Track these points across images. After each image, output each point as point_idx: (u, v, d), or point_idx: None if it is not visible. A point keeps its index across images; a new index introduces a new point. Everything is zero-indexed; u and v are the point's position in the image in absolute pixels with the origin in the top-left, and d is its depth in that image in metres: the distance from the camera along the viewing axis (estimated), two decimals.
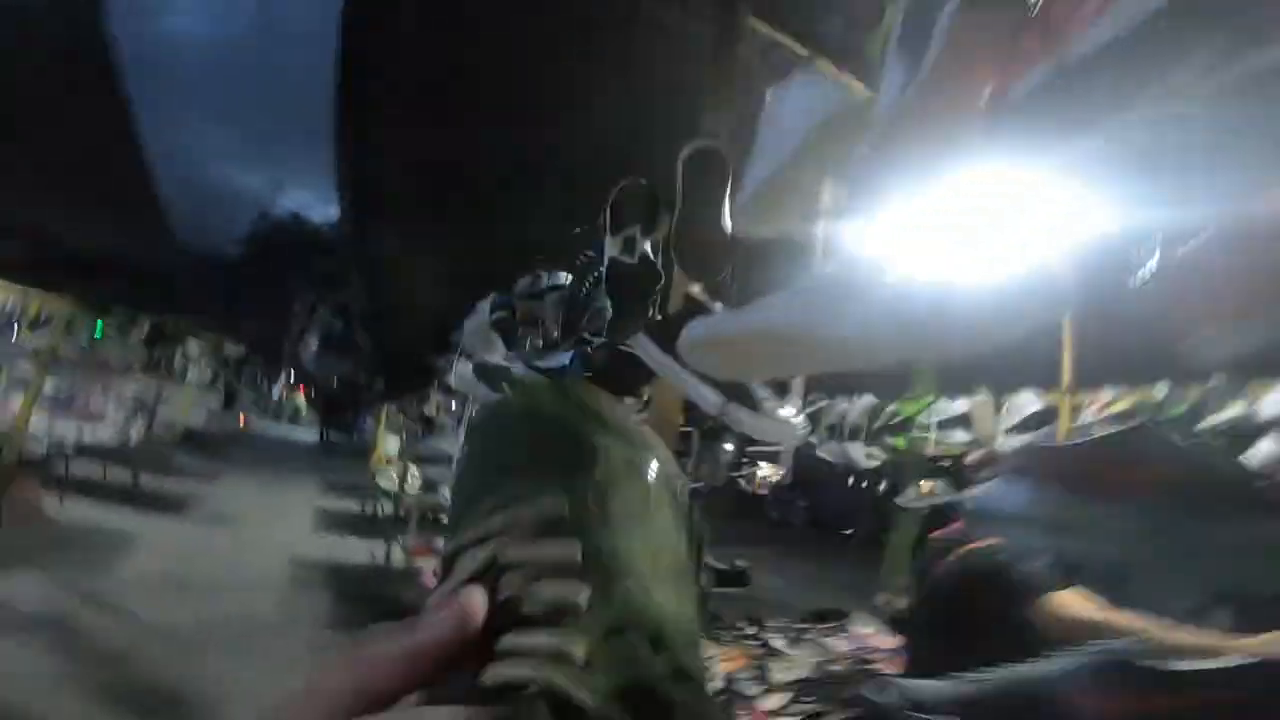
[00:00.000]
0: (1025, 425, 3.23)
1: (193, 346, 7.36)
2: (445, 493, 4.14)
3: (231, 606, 3.74)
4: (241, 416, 11.56)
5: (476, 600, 0.23)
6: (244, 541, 5.31)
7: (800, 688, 2.16)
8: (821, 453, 3.48)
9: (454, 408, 4.78)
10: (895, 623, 3.06)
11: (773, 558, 7.93)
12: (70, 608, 3.33)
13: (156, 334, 6.29)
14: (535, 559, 0.25)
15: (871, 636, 2.83)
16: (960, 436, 3.53)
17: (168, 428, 7.71)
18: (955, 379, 3.68)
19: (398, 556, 3.93)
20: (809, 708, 1.97)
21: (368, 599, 3.90)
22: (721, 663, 2.26)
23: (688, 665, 0.25)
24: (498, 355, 1.57)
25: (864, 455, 3.47)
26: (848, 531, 9.69)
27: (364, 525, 5.93)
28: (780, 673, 2.24)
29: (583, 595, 0.24)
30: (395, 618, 0.26)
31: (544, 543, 0.25)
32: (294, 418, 16.56)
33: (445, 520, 3.99)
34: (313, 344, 15.80)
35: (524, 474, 0.28)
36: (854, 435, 3.62)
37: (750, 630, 2.74)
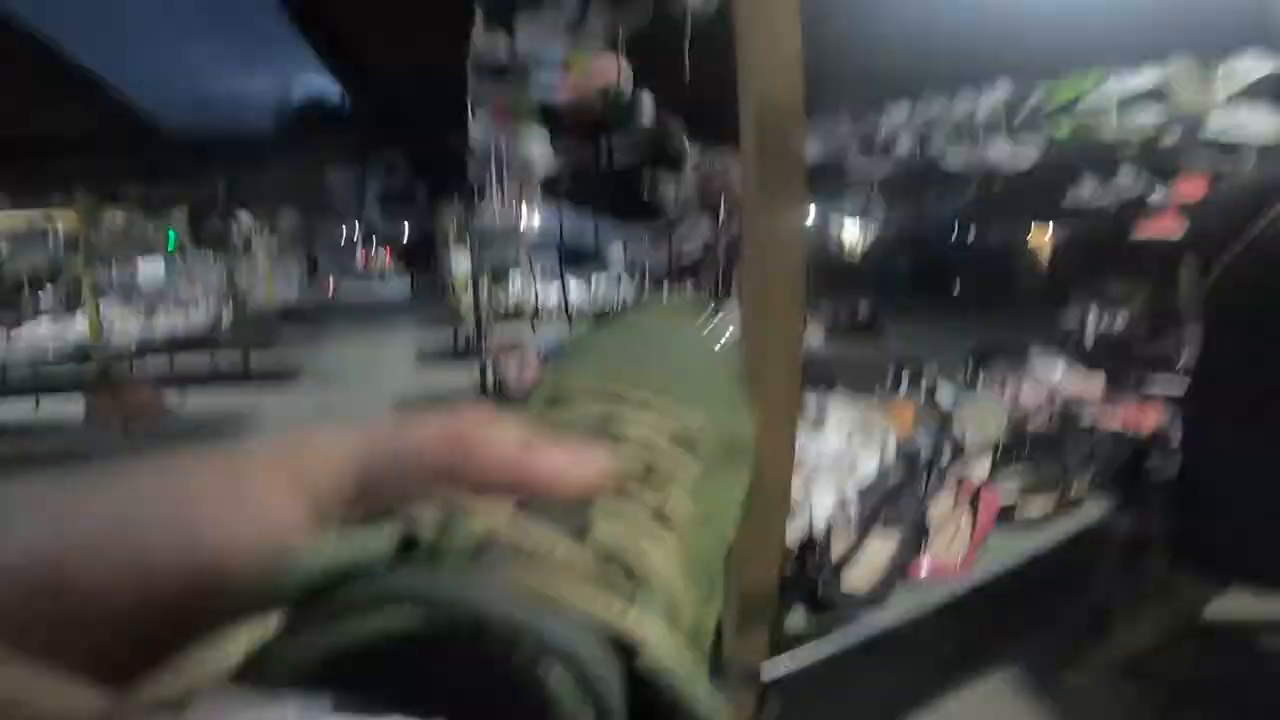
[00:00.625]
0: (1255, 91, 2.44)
1: (245, 220, 7.15)
2: (515, 280, 3.97)
3: None
4: (329, 284, 11.72)
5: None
6: (353, 395, 5.40)
7: (1002, 448, 1.71)
8: (950, 163, 2.73)
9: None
10: (1106, 349, 2.55)
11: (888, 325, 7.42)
12: None
13: (204, 210, 6.06)
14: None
15: (1067, 383, 2.31)
16: (1150, 116, 2.70)
17: (258, 306, 7.78)
18: (1129, 47, 2.78)
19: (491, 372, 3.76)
20: (1032, 476, 1.53)
21: None
22: (885, 425, 1.84)
23: None
24: None
25: (1010, 153, 2.67)
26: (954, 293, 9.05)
27: (460, 353, 5.89)
28: (970, 436, 1.78)
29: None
30: None
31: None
32: (382, 276, 16.93)
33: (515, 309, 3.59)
34: (374, 202, 16.13)
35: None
36: (991, 131, 2.82)
37: (906, 379, 2.29)
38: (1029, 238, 8.08)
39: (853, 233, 10.56)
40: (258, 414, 4.84)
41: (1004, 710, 1.59)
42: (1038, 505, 1.46)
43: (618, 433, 0.22)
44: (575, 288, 4.25)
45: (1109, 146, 2.64)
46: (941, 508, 1.32)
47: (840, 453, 1.56)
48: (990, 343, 2.66)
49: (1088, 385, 2.22)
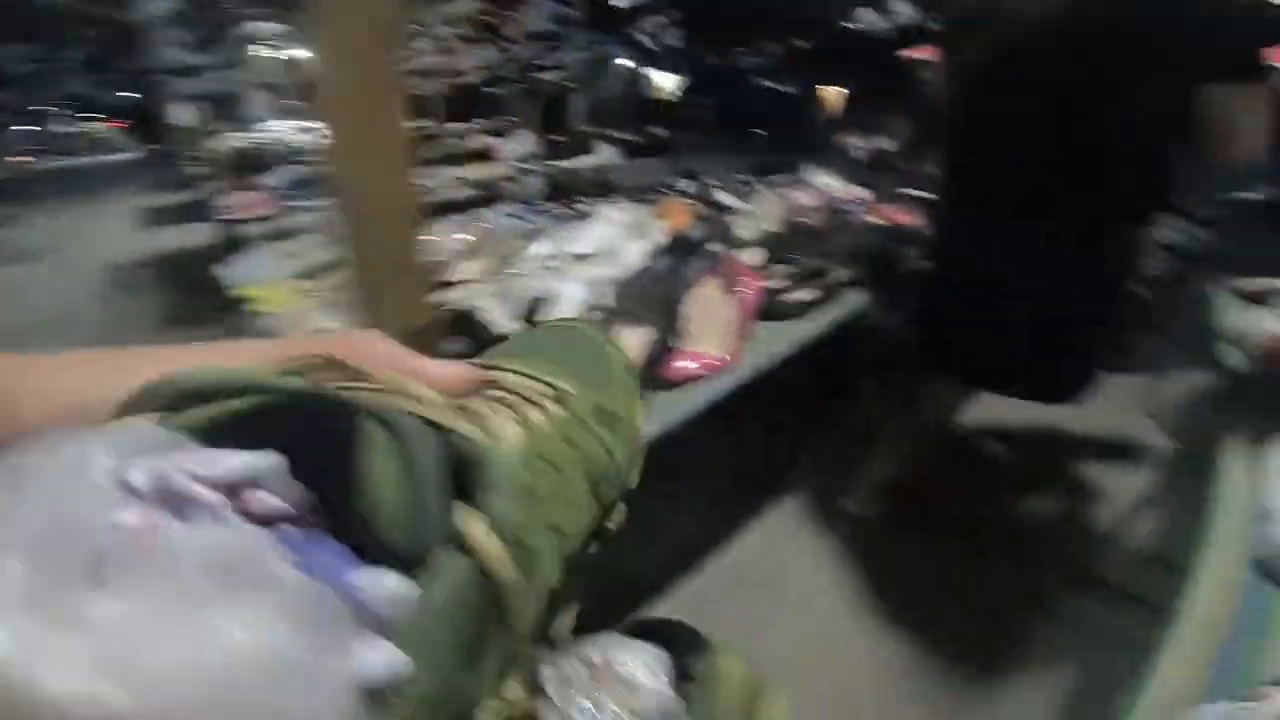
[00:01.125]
0: None
1: None
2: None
3: (49, 335, 3.21)
4: (18, 157, 9.15)
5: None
6: (61, 266, 4.49)
7: (773, 241, 1.67)
8: None
9: None
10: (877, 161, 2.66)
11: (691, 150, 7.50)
12: None
13: None
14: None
15: (838, 189, 2.35)
16: None
17: None
18: None
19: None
20: (797, 267, 1.49)
21: (200, 286, 3.26)
22: (663, 220, 1.74)
23: None
24: None
25: None
26: (759, 131, 9.44)
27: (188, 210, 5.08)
28: (743, 230, 1.72)
29: None
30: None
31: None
32: (96, 147, 13.60)
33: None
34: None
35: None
36: None
37: (688, 187, 2.20)
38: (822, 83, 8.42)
39: (666, 78, 10.47)
40: None
41: (790, 544, 1.67)
42: (803, 293, 1.43)
43: (497, 378, 0.26)
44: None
45: None
46: (707, 296, 1.22)
47: (603, 245, 1.42)
48: (771, 161, 2.64)
49: (854, 191, 2.27)
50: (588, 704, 0.31)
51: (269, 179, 2.93)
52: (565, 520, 0.23)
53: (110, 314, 3.61)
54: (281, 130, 4.29)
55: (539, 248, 1.50)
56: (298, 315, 1.32)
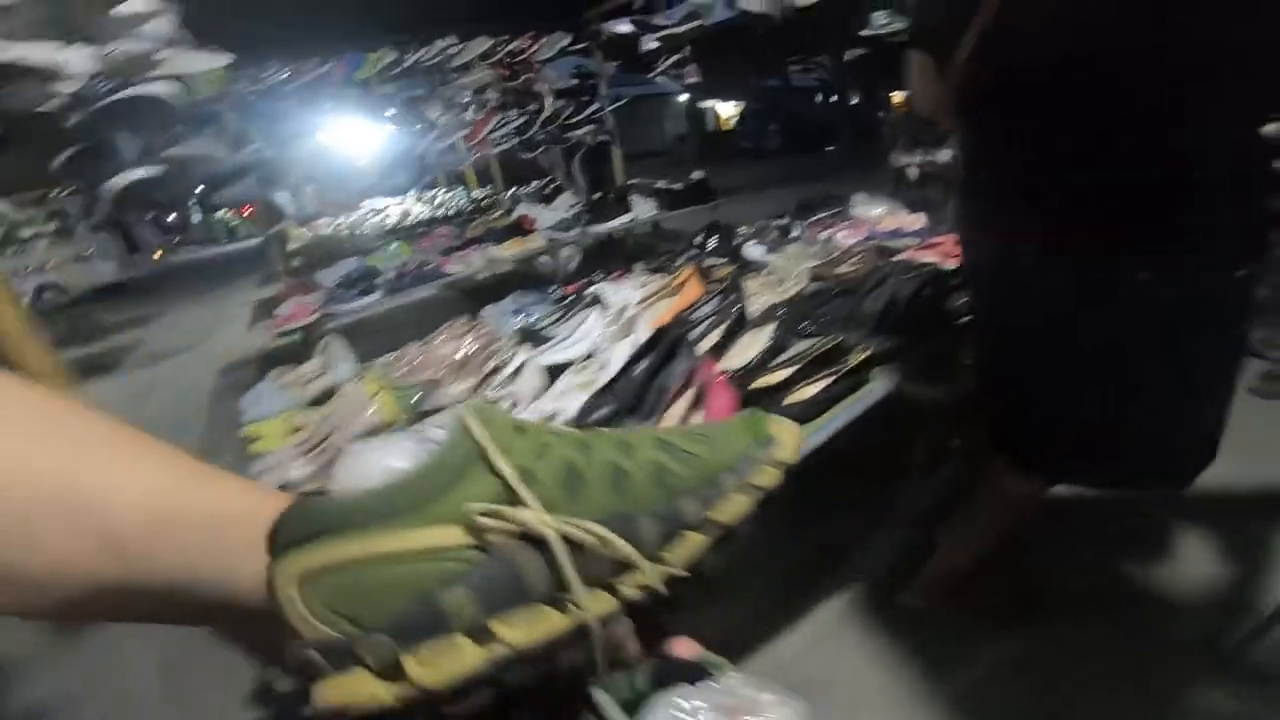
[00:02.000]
0: None
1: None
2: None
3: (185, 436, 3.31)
4: (157, 253, 10.39)
5: None
6: (183, 368, 4.83)
7: (793, 309, 1.47)
8: (744, 4, 2.35)
9: None
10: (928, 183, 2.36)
11: (749, 187, 7.31)
12: None
13: None
14: None
15: (885, 217, 2.10)
16: None
17: (62, 294, 6.88)
18: None
19: None
20: (809, 346, 1.27)
21: None
22: (675, 295, 1.59)
23: None
24: None
25: None
26: (829, 148, 9.15)
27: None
28: (758, 297, 1.53)
29: None
30: None
31: None
32: (232, 236, 15.13)
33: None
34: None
35: None
36: None
37: (708, 243, 2.03)
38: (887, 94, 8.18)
39: (725, 108, 10.45)
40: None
41: (840, 640, 1.44)
42: (815, 388, 1.21)
43: None
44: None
45: None
46: (676, 415, 1.05)
47: (590, 347, 1.29)
48: (815, 194, 2.42)
49: (906, 219, 2.01)
50: None
51: (328, 275, 3.03)
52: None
53: (219, 416, 3.83)
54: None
55: (524, 357, 1.39)
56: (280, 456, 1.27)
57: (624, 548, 0.31)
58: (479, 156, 3.32)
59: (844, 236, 1.95)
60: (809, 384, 1.16)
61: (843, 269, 1.69)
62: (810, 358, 1.19)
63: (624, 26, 2.76)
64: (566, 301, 1.70)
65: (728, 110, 10.44)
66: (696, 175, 3.19)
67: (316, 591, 0.28)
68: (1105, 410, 1.02)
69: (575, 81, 3.49)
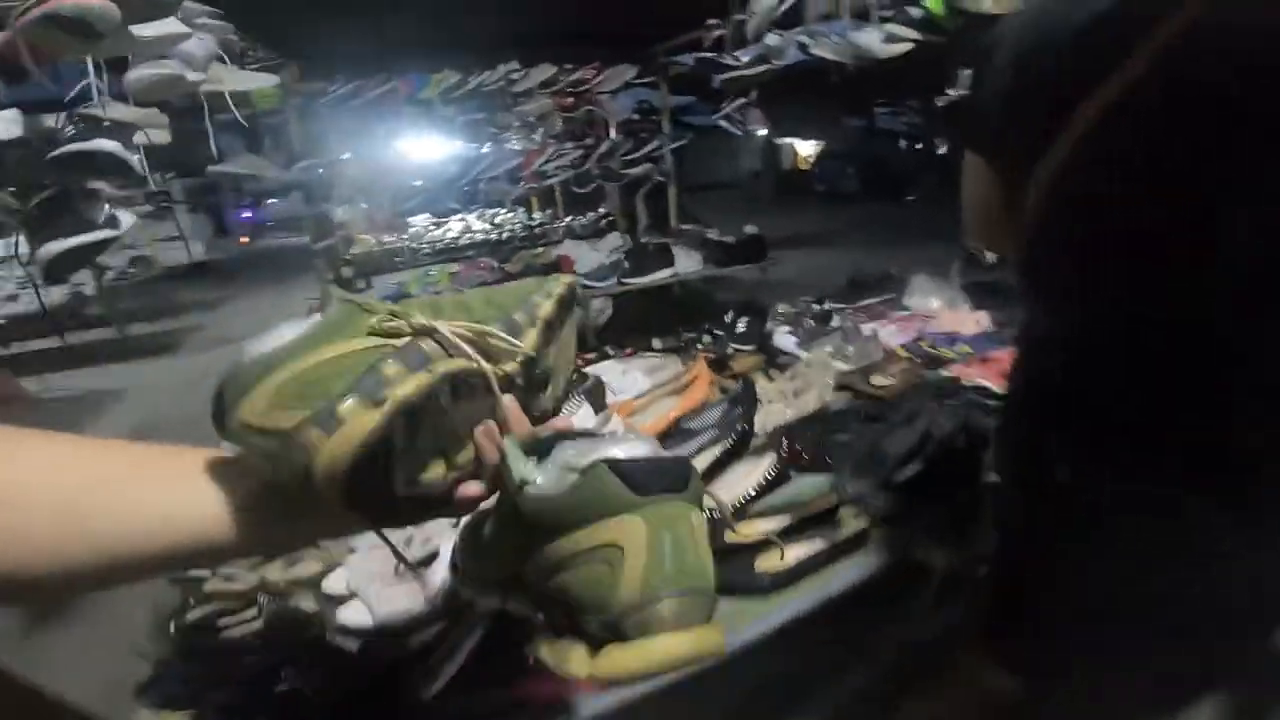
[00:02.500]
0: None
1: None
2: None
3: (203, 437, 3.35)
4: (243, 239, 10.90)
5: None
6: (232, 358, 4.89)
7: (806, 432, 1.26)
8: (817, 50, 2.14)
9: None
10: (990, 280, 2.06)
11: (814, 236, 7.01)
12: None
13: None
14: None
15: (943, 313, 1.86)
16: None
17: (149, 268, 7.33)
18: None
19: None
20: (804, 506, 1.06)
21: None
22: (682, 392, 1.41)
23: None
24: None
25: (881, 40, 2.08)
26: (909, 198, 8.74)
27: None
28: (771, 411, 1.34)
29: None
30: None
31: None
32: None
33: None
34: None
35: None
36: (861, 17, 2.21)
37: (737, 323, 1.83)
38: None
39: (804, 146, 10.22)
40: (133, 388, 4.46)
41: None
42: (800, 549, 1.01)
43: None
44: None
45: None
46: None
47: None
48: (869, 271, 2.20)
49: (966, 317, 1.77)
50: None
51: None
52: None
53: None
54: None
55: None
56: None
57: (489, 330, 0.42)
58: (529, 188, 3.23)
59: (890, 333, 1.73)
60: (795, 542, 0.97)
61: (877, 380, 1.47)
62: (804, 514, 0.99)
63: (692, 62, 2.62)
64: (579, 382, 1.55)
65: (806, 149, 10.14)
66: (750, 230, 3.00)
67: (275, 405, 0.36)
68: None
69: (637, 117, 3.38)
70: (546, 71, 2.99)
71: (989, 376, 1.42)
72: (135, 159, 1.44)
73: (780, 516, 1.01)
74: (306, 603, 0.93)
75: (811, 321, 1.78)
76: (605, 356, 1.80)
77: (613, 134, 3.37)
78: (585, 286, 2.75)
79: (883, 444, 1.18)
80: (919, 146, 8.82)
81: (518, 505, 0.38)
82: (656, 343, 1.86)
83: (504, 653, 0.78)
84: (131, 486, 0.37)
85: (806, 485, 1.09)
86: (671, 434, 1.30)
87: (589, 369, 1.67)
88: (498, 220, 4.76)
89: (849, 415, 1.31)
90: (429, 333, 0.40)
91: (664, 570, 0.34)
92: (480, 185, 3.19)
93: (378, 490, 0.37)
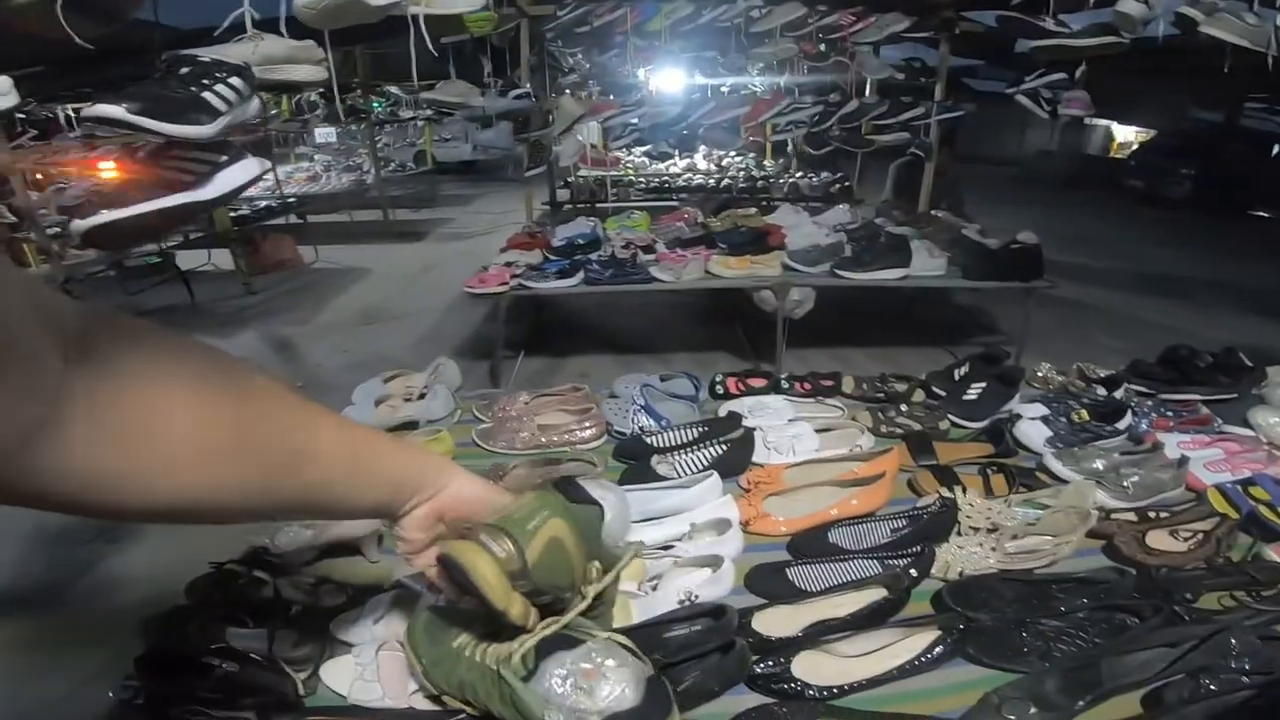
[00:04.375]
0: None
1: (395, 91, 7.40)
2: None
3: (414, 331, 3.65)
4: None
5: None
6: (464, 255, 5.23)
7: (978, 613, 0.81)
8: (1214, 30, 1.47)
9: None
10: None
11: (1124, 253, 5.45)
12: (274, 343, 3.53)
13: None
14: None
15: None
16: None
17: (425, 164, 8.32)
18: None
19: None
20: None
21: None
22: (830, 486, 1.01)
23: None
24: None
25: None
26: (1264, 213, 6.47)
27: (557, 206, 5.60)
28: (964, 540, 0.90)
29: None
30: None
31: None
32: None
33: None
34: None
35: None
36: None
37: (968, 388, 1.29)
38: None
39: (1122, 131, 8.13)
40: (379, 268, 5.05)
41: None
42: None
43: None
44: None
45: None
46: None
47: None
48: (1197, 345, 1.48)
49: None
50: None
51: (562, 231, 2.89)
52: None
53: (447, 322, 3.91)
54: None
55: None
56: None
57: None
58: (751, 140, 2.82)
59: (1209, 465, 1.11)
60: None
61: (1156, 543, 0.92)
62: None
63: (992, 22, 2.01)
64: (705, 427, 1.20)
65: (1124, 135, 8.09)
66: (1024, 238, 2.30)
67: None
68: None
69: (900, 76, 2.73)
70: (794, 11, 2.52)
71: None
72: None
73: None
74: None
75: (1084, 412, 1.20)
76: (777, 386, 1.41)
77: (867, 93, 2.78)
78: (790, 269, 2.32)
79: (1102, 664, 0.70)
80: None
81: None
82: (848, 383, 1.41)
83: None
84: (352, 475, 0.51)
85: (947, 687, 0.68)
86: (813, 541, 0.92)
87: (744, 400, 1.31)
88: (723, 164, 4.40)
89: (1081, 593, 0.82)
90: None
91: None
92: (700, 131, 2.84)
93: None
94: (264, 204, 5.61)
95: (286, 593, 0.84)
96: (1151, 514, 1.00)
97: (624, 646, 0.61)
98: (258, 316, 4.00)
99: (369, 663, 0.74)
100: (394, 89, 7.48)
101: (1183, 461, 1.08)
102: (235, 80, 1.14)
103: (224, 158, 1.15)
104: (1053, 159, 8.88)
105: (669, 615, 0.76)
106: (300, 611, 0.82)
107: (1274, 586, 0.84)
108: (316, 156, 7.15)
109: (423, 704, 0.70)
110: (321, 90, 6.03)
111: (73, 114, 4.27)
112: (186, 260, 4.47)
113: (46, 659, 1.47)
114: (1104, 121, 8.33)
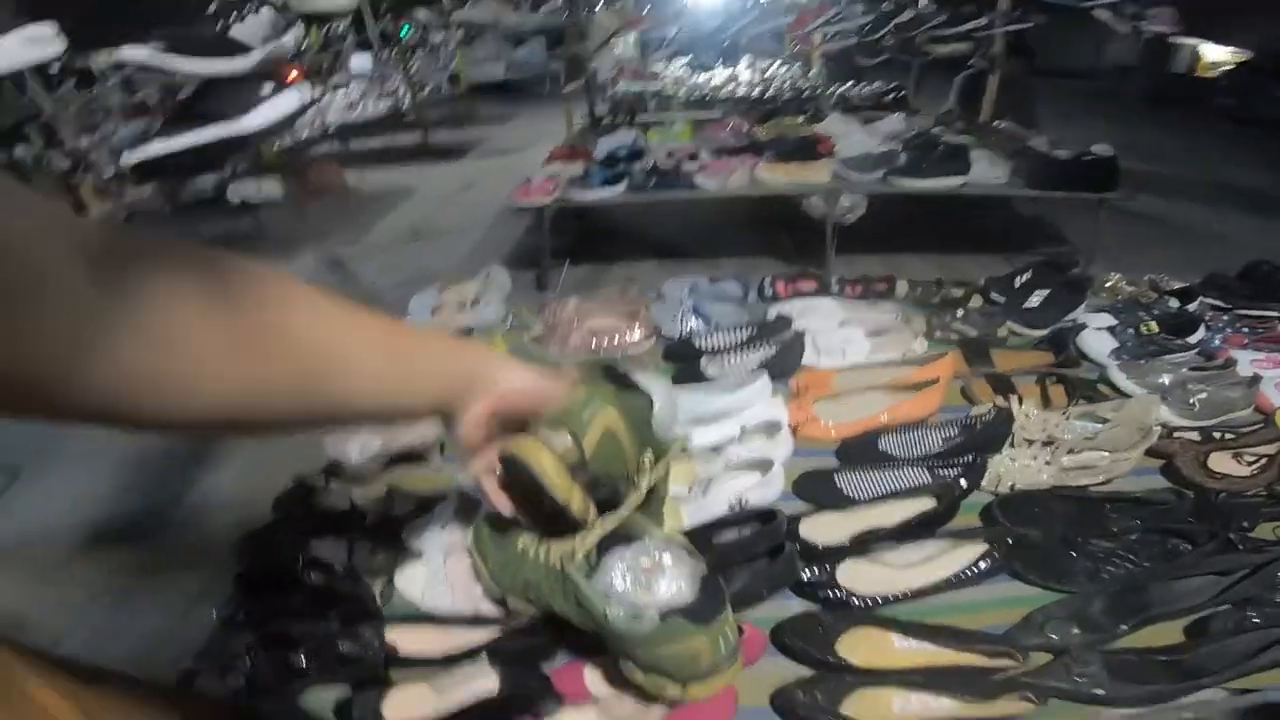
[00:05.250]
0: None
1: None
2: None
3: (461, 246, 3.65)
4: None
5: None
6: (505, 170, 5.19)
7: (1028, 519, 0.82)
8: None
9: None
10: None
11: (1208, 174, 4.98)
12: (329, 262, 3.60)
13: None
14: None
15: None
16: None
17: (457, 85, 8.11)
18: None
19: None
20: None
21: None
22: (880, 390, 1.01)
23: None
24: None
25: None
26: None
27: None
28: (1020, 450, 0.90)
29: None
30: None
31: None
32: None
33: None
34: None
35: None
36: None
37: (1030, 297, 1.24)
38: None
39: (1213, 51, 7.27)
40: (421, 188, 5.07)
41: None
42: None
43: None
44: None
45: None
46: None
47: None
48: None
49: None
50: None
51: (604, 143, 2.83)
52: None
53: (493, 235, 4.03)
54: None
55: None
56: None
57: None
58: (798, 49, 2.66)
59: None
60: (921, 692, 0.61)
61: (1218, 465, 0.90)
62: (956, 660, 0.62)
63: None
64: (754, 329, 1.20)
65: (1215, 54, 7.28)
66: (1100, 149, 2.14)
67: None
68: None
69: None
70: None
71: None
72: None
73: (927, 645, 0.65)
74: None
75: (1154, 324, 1.15)
76: (827, 289, 1.39)
77: (923, 1, 2.56)
78: (840, 176, 2.24)
79: (1151, 589, 0.70)
80: None
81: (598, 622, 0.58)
82: (902, 287, 1.38)
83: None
84: (376, 364, 0.47)
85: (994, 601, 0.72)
86: (863, 448, 0.93)
87: (794, 302, 1.30)
88: (768, 74, 4.17)
89: (1135, 513, 0.81)
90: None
91: (719, 661, 0.58)
92: (743, 41, 2.68)
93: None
94: (305, 134, 5.64)
95: (361, 503, 0.90)
96: (1216, 434, 0.97)
97: (680, 544, 0.62)
98: (311, 240, 4.09)
99: (439, 569, 0.79)
100: (423, 12, 7.28)
101: (1255, 380, 1.03)
102: (265, 12, 1.13)
103: (266, 90, 1.15)
104: (1134, 75, 8.07)
105: (719, 519, 0.78)
106: (375, 521, 0.88)
107: None
108: (352, 84, 7.10)
109: (489, 608, 0.74)
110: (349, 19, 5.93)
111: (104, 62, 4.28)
112: (238, 193, 4.57)
113: (155, 583, 1.54)
114: (1190, 40, 7.49)
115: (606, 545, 0.60)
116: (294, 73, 3.08)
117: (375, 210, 4.68)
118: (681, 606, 0.57)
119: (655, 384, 0.64)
